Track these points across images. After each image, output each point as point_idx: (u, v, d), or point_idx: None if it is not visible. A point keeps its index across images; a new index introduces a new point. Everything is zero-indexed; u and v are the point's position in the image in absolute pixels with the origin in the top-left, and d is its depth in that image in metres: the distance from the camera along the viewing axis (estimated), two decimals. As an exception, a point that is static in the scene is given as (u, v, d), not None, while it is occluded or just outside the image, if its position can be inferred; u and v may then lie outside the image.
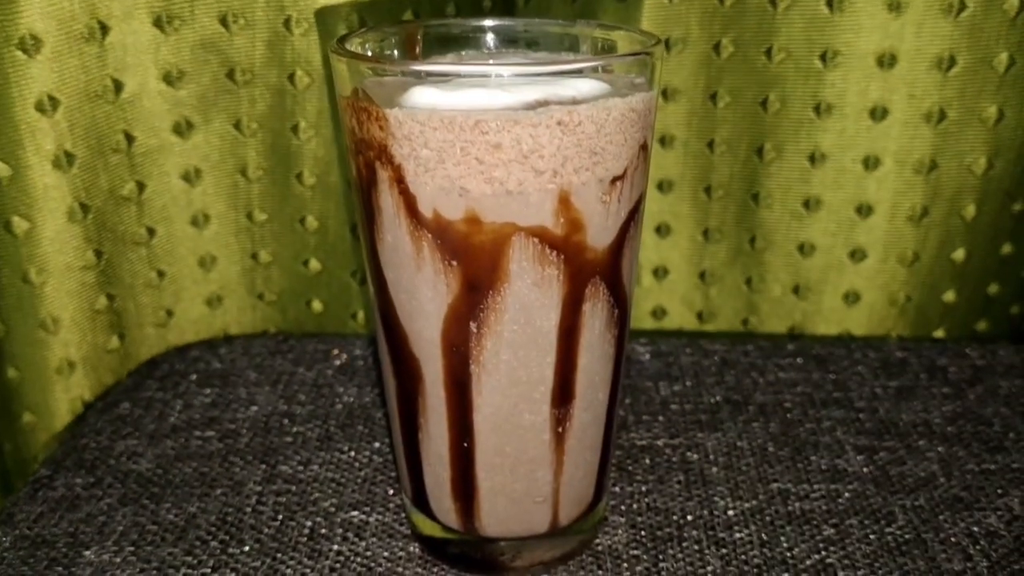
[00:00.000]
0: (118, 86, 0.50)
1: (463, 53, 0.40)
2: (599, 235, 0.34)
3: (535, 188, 0.32)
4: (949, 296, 0.62)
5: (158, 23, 0.49)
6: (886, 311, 0.62)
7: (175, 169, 0.54)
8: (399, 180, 0.33)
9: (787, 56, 0.56)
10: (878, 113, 0.56)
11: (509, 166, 0.31)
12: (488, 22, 0.41)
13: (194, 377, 0.53)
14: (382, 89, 0.34)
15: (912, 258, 0.60)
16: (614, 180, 0.33)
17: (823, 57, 0.55)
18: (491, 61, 0.40)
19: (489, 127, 0.31)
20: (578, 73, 0.32)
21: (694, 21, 0.57)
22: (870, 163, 0.58)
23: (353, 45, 0.36)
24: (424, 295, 0.34)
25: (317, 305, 0.60)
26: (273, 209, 0.57)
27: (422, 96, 0.32)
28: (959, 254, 0.60)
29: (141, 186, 0.53)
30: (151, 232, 0.55)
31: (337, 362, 0.55)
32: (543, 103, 0.32)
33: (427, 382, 0.36)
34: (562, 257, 0.33)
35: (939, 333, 0.63)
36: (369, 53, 0.38)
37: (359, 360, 0.55)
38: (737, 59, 0.57)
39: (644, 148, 0.34)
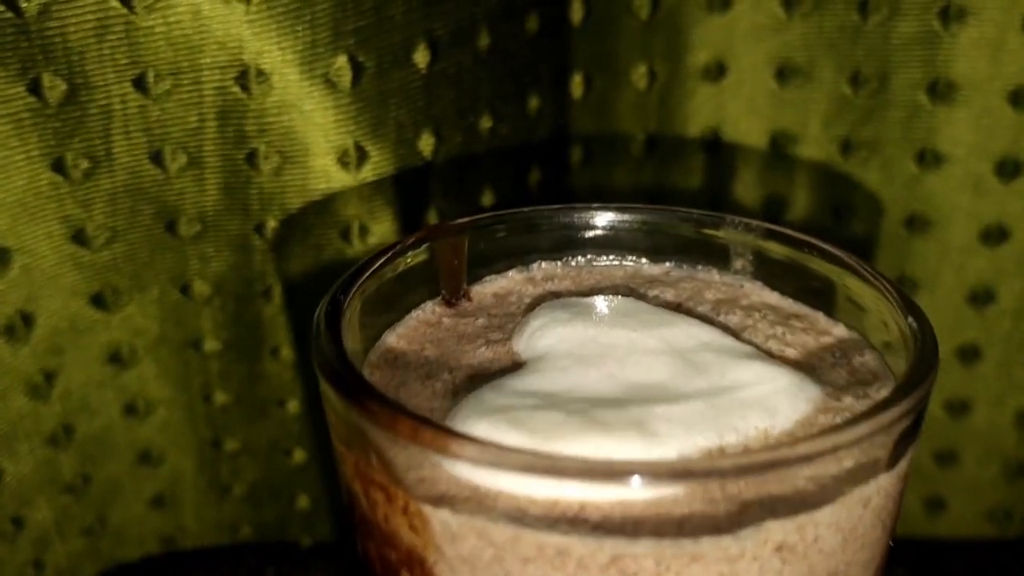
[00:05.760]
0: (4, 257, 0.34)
1: (533, 271, 0.25)
2: None
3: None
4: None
5: (58, 166, 0.33)
6: (979, 522, 0.48)
7: (99, 350, 0.38)
8: (451, 623, 0.17)
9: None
10: (980, 296, 0.43)
11: (674, 630, 0.16)
12: (561, 217, 0.25)
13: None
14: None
15: (1016, 466, 0.46)
16: (854, 607, 0.18)
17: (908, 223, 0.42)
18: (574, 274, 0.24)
19: (639, 566, 0.15)
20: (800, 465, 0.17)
21: (815, 116, 0.42)
22: (967, 354, 0.44)
23: (355, 303, 0.21)
24: None
25: (304, 502, 0.45)
26: (239, 390, 0.41)
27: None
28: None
29: (49, 378, 0.37)
30: (68, 431, 0.39)
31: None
32: (720, 453, 0.16)
33: None
34: None
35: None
36: (385, 281, 0.22)
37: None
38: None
39: (891, 534, 0.19)
